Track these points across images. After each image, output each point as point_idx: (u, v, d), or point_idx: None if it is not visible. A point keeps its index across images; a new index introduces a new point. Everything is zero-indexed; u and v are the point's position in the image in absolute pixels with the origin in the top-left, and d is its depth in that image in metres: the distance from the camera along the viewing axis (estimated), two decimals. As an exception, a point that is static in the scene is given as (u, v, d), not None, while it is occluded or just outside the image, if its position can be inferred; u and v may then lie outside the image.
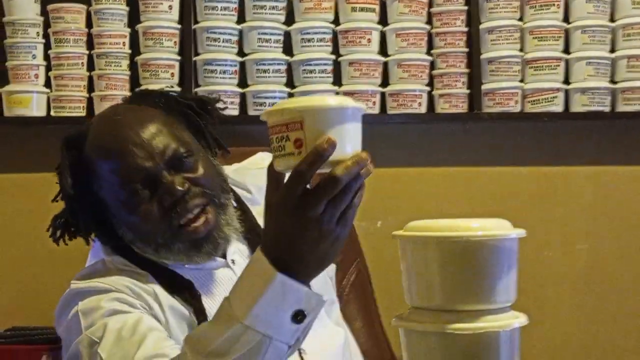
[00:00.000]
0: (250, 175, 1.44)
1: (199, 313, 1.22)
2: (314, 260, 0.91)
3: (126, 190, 1.22)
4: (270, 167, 0.88)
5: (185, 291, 1.24)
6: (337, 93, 2.15)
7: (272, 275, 0.89)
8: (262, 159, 1.52)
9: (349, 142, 0.84)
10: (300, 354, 1.24)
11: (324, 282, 1.36)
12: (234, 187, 1.40)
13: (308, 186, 0.86)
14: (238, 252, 1.32)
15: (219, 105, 1.39)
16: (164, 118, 1.27)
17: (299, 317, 0.91)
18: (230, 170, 1.43)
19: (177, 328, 1.21)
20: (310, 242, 0.88)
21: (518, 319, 0.83)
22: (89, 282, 1.24)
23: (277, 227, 0.90)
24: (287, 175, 0.87)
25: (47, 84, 2.13)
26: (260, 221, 1.28)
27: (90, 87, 2.14)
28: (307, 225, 0.86)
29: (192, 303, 1.22)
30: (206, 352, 0.95)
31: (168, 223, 1.20)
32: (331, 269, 1.48)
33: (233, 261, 1.30)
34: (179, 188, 1.18)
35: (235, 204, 1.35)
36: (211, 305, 1.23)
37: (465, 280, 0.82)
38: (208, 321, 1.02)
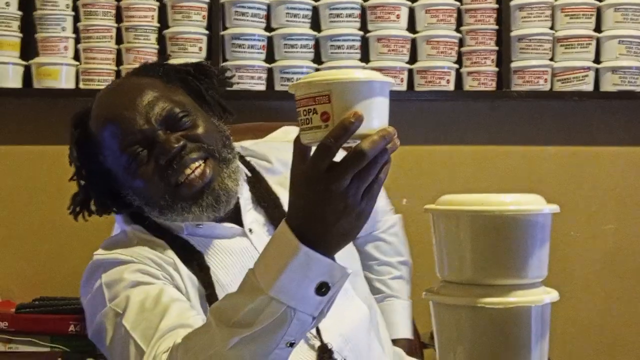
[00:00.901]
0: (273, 149, 1.45)
1: (207, 286, 1.23)
2: (338, 233, 0.91)
3: (125, 154, 1.23)
4: (297, 141, 0.88)
5: (195, 262, 1.25)
6: (365, 69, 2.11)
7: (296, 247, 0.89)
8: (286, 133, 1.54)
9: (376, 117, 0.84)
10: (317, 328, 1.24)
11: (349, 252, 1.36)
12: (250, 158, 1.41)
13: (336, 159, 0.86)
14: (255, 221, 1.32)
15: (227, 73, 1.42)
16: (163, 85, 1.28)
17: (323, 289, 0.92)
18: (251, 143, 1.45)
19: (194, 298, 1.22)
20: (335, 215, 0.89)
21: (550, 295, 0.83)
22: (111, 253, 1.26)
23: (302, 200, 0.90)
24: (313, 148, 0.88)
25: (76, 56, 2.14)
26: (279, 191, 1.34)
27: (119, 60, 2.14)
28: (332, 198, 0.87)
29: (200, 275, 1.23)
30: (231, 322, 0.96)
31: (167, 182, 1.21)
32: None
33: (250, 230, 1.31)
34: (174, 145, 1.19)
35: (248, 173, 1.36)
36: (223, 277, 1.24)
37: (497, 254, 0.82)
38: (233, 292, 1.01)
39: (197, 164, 1.21)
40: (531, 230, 0.81)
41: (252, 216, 1.33)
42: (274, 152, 1.43)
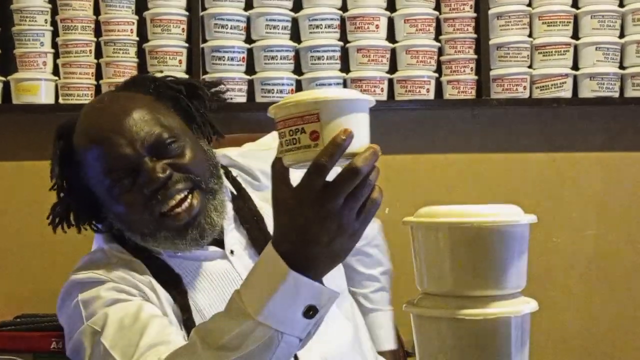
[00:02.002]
0: (259, 160, 1.41)
1: (184, 310, 1.22)
2: (329, 255, 0.89)
3: (109, 178, 1.21)
4: (275, 163, 0.87)
5: (172, 285, 1.24)
6: (345, 80, 2.17)
7: (285, 273, 0.88)
8: (274, 139, 1.51)
9: (362, 134, 0.84)
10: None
11: (338, 270, 1.33)
12: (237, 173, 1.39)
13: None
14: (237, 242, 1.30)
15: (220, 88, 1.38)
16: (151, 104, 1.26)
17: (311, 312, 0.91)
18: (237, 154, 1.42)
19: (172, 320, 1.21)
20: (329, 236, 0.87)
21: (529, 305, 0.83)
22: (87, 272, 1.24)
23: (291, 222, 0.88)
24: (292, 170, 0.87)
25: (55, 71, 2.13)
26: (263, 207, 1.32)
27: (99, 75, 2.14)
28: (326, 219, 0.85)
29: (177, 299, 1.22)
30: (217, 345, 0.95)
31: (150, 211, 1.19)
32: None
33: (232, 252, 1.29)
34: (160, 175, 1.17)
35: (234, 192, 1.34)
36: (201, 300, 1.23)
37: (476, 265, 0.82)
38: (219, 313, 1.01)
39: (182, 195, 1.19)
40: (509, 241, 0.82)
41: (234, 237, 1.31)
42: (260, 164, 1.40)
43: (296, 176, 0.86)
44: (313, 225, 0.85)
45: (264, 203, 1.32)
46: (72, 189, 1.28)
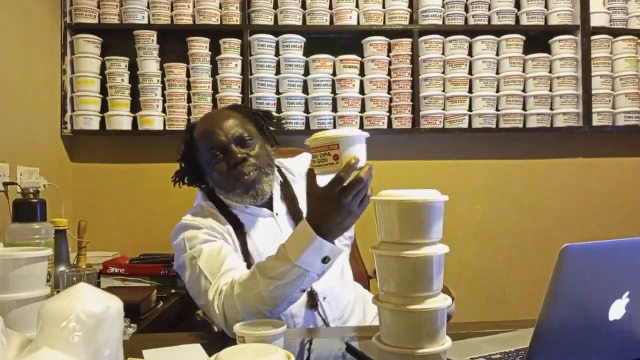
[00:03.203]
0: (298, 165, 1.56)
1: (243, 245, 1.36)
2: (341, 228, 1.06)
3: (210, 154, 1.36)
4: (310, 172, 1.05)
5: (238, 230, 1.38)
6: (334, 118, 2.59)
7: (313, 237, 1.04)
8: (305, 157, 1.63)
9: (363, 156, 0.99)
10: (318, 298, 1.37)
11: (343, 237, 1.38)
12: (284, 170, 1.53)
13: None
14: (280, 209, 1.45)
15: (281, 119, 1.59)
16: (240, 117, 1.41)
17: (326, 260, 1.07)
18: (284, 160, 1.58)
19: (240, 254, 1.35)
20: (341, 217, 1.03)
21: (443, 248, 0.89)
22: (191, 220, 1.38)
23: (319, 208, 1.04)
24: (320, 177, 1.03)
25: (163, 110, 2.63)
26: (298, 193, 1.46)
27: (189, 112, 2.63)
28: (342, 208, 1.01)
29: (240, 238, 1.36)
30: (269, 276, 1.10)
31: (231, 175, 1.34)
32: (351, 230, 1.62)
33: (277, 214, 1.44)
34: (239, 156, 1.33)
35: (282, 180, 1.49)
36: (252, 242, 1.36)
37: (413, 225, 0.88)
38: (271, 256, 1.14)
39: (249, 169, 1.35)
40: (432, 210, 0.88)
41: (279, 205, 1.46)
42: (298, 168, 1.56)
43: (320, 180, 1.05)
44: (332, 212, 1.01)
45: (298, 191, 1.48)
46: (189, 161, 1.45)
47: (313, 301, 1.38)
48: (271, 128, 1.48)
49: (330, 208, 1.03)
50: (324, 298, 1.39)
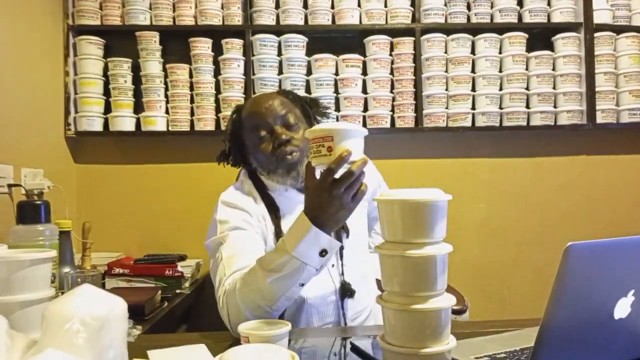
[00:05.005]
0: None
1: (277, 227, 1.38)
2: (334, 220, 1.07)
3: (256, 135, 1.40)
4: (308, 164, 1.05)
5: (273, 212, 1.40)
6: (337, 117, 2.58)
7: (310, 228, 1.05)
8: None
9: (357, 150, 1.00)
10: (342, 264, 1.38)
11: (362, 227, 1.51)
12: None
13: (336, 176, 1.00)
14: None
15: (324, 106, 1.53)
16: (288, 101, 1.45)
17: (323, 253, 1.07)
18: None
19: (270, 233, 1.37)
20: (335, 209, 1.04)
21: (447, 247, 0.89)
22: (232, 195, 1.41)
23: (315, 200, 1.05)
24: (317, 168, 1.04)
25: (166, 111, 2.62)
26: None
27: (192, 113, 2.61)
28: (333, 200, 1.03)
29: (274, 221, 1.39)
30: (267, 269, 1.10)
31: (275, 155, 1.38)
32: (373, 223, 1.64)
33: None
34: (283, 137, 1.37)
35: None
36: (288, 225, 1.27)
37: (416, 224, 0.87)
38: (270, 250, 1.16)
39: (291, 149, 1.38)
40: (435, 210, 0.87)
41: None
42: None
43: (319, 172, 1.05)
44: (325, 204, 1.02)
45: None
46: (235, 142, 1.49)
47: (344, 292, 1.40)
48: (317, 116, 1.51)
49: (323, 200, 1.04)
50: (351, 294, 1.41)
